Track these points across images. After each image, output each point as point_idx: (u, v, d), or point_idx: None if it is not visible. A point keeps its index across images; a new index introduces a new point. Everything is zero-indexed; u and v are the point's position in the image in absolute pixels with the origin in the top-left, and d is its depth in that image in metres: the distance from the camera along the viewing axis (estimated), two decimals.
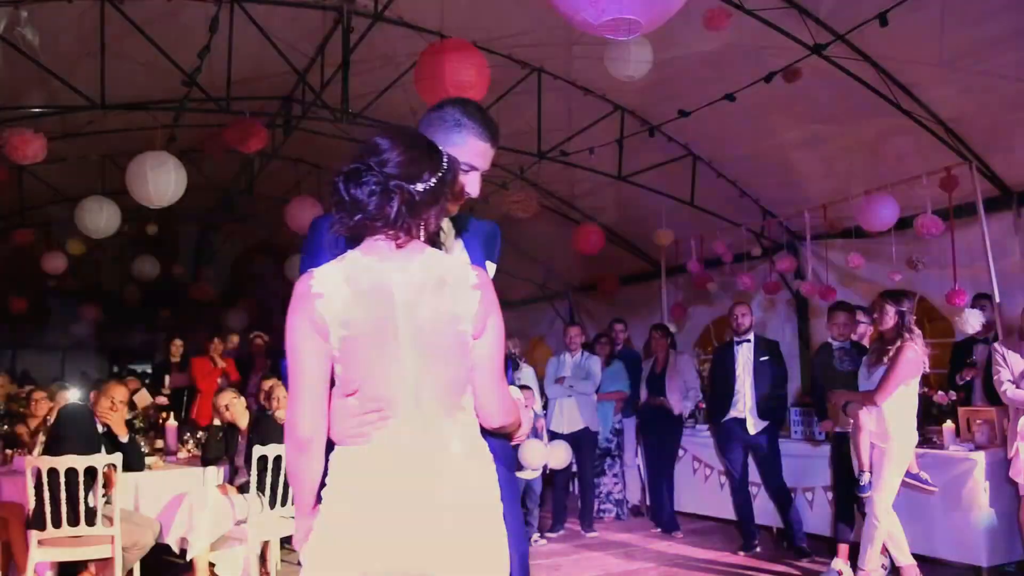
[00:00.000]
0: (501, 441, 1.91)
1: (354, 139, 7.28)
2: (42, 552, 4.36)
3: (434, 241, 1.82)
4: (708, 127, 6.85)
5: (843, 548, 5.19)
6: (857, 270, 6.77)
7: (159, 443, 6.15)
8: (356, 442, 1.67)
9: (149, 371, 13.75)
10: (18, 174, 7.88)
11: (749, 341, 6.29)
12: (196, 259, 13.42)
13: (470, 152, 1.99)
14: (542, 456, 5.91)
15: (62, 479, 4.31)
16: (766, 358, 6.21)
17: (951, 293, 5.80)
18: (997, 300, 5.59)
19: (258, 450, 4.81)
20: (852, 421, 4.85)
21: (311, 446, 1.68)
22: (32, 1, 5.27)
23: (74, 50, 5.85)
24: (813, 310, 7.84)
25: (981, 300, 5.80)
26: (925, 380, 6.36)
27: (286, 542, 5.62)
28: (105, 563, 4.51)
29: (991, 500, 4.94)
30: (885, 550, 4.81)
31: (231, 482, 5.21)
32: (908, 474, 4.84)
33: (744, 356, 6.24)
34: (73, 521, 4.35)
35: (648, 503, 7.51)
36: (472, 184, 2.01)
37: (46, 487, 4.28)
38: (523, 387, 5.47)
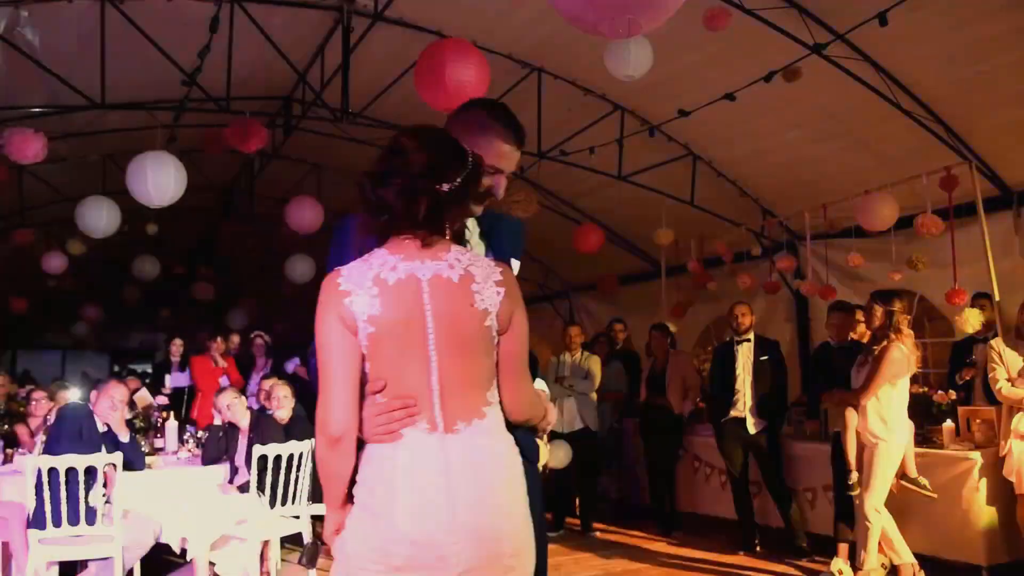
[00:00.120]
0: (525, 434, 1.93)
1: (354, 139, 7.30)
2: (42, 552, 4.36)
3: (459, 238, 1.85)
4: (708, 127, 6.86)
5: (843, 548, 5.19)
6: (857, 269, 6.77)
7: (159, 443, 6.15)
8: (385, 439, 1.70)
9: (149, 371, 13.75)
10: (18, 174, 7.88)
11: (749, 341, 6.29)
12: (196, 259, 13.41)
13: (495, 154, 2.00)
14: (542, 456, 5.90)
15: (62, 479, 4.31)
16: (766, 358, 6.21)
17: (951, 292, 5.80)
18: (997, 299, 5.59)
19: (258, 450, 4.81)
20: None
21: (342, 442, 1.70)
22: (32, 1, 5.27)
23: (74, 50, 5.85)
24: (813, 310, 7.84)
25: (981, 300, 5.80)
26: (925, 380, 6.38)
27: (286, 542, 5.63)
28: (105, 563, 4.50)
29: (991, 499, 4.94)
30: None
31: (231, 482, 5.21)
32: (907, 478, 4.86)
33: (744, 356, 6.24)
34: (73, 521, 4.35)
35: (648, 502, 7.50)
36: (497, 186, 2.03)
37: (46, 487, 4.28)
38: None
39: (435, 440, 1.68)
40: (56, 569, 4.59)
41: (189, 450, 5.89)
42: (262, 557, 5.05)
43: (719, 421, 6.36)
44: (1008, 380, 4.80)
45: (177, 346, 8.59)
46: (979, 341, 5.73)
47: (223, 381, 7.30)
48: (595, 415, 7.09)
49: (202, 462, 5.44)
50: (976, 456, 4.98)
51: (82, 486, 4.37)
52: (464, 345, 1.71)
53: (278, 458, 4.85)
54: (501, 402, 1.80)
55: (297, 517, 5.07)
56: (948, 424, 5.31)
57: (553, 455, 6.23)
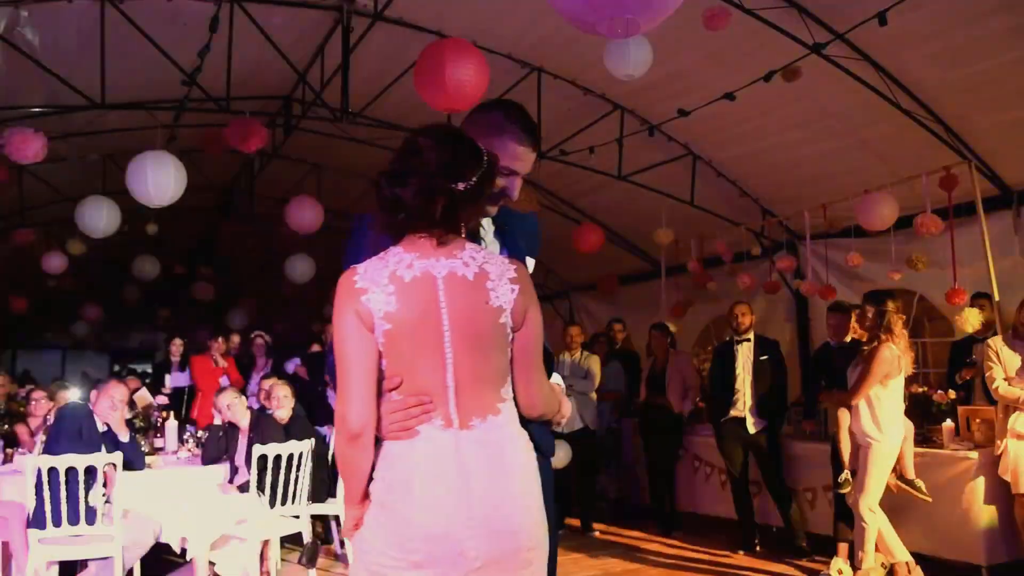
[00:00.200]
0: (541, 430, 1.95)
1: (354, 139, 7.30)
2: (42, 551, 4.36)
3: (473, 236, 1.87)
4: (708, 127, 6.86)
5: (843, 547, 5.20)
6: (857, 269, 6.77)
7: (159, 443, 6.15)
8: (401, 436, 1.72)
9: (149, 371, 13.75)
10: (18, 174, 7.88)
11: (749, 340, 6.29)
12: (196, 259, 13.41)
13: (510, 156, 2.01)
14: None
15: (62, 478, 4.31)
16: (766, 357, 6.22)
17: (951, 292, 5.79)
18: (997, 299, 5.59)
19: (258, 450, 4.81)
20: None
21: (362, 438, 1.72)
22: (32, 1, 5.27)
23: (74, 50, 5.85)
24: (813, 310, 7.84)
25: (980, 299, 5.80)
26: (925, 379, 6.39)
27: (286, 542, 5.63)
28: (105, 562, 4.51)
29: (990, 499, 4.94)
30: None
31: (231, 482, 5.21)
32: (904, 480, 4.87)
33: (744, 355, 6.25)
34: (73, 520, 4.36)
35: (648, 502, 7.50)
36: (512, 188, 2.04)
37: (46, 486, 4.28)
38: None
39: (450, 436, 1.71)
40: (56, 569, 4.60)
41: (189, 450, 5.89)
42: (262, 557, 5.05)
43: (719, 421, 6.36)
44: (1005, 379, 4.81)
45: (177, 346, 8.59)
46: (979, 341, 5.72)
47: (223, 381, 7.31)
48: (595, 415, 7.10)
49: (202, 462, 5.44)
50: (976, 456, 4.98)
51: (82, 486, 4.37)
52: (479, 342, 1.73)
53: (278, 458, 4.86)
54: (515, 398, 1.82)
55: (297, 517, 5.07)
56: (948, 424, 5.32)
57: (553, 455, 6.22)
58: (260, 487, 4.82)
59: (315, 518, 5.68)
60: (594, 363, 7.13)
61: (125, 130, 7.30)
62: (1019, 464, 4.70)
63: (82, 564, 4.66)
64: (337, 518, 5.61)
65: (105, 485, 4.49)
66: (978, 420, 5.25)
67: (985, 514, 4.92)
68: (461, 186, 1.74)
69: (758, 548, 6.08)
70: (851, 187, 6.33)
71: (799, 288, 7.58)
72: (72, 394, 6.69)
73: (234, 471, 5.26)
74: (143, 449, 5.43)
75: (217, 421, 5.57)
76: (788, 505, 5.98)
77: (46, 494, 4.29)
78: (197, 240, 12.77)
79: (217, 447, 5.40)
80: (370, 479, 1.75)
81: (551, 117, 6.65)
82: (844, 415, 4.95)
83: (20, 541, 4.52)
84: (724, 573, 5.62)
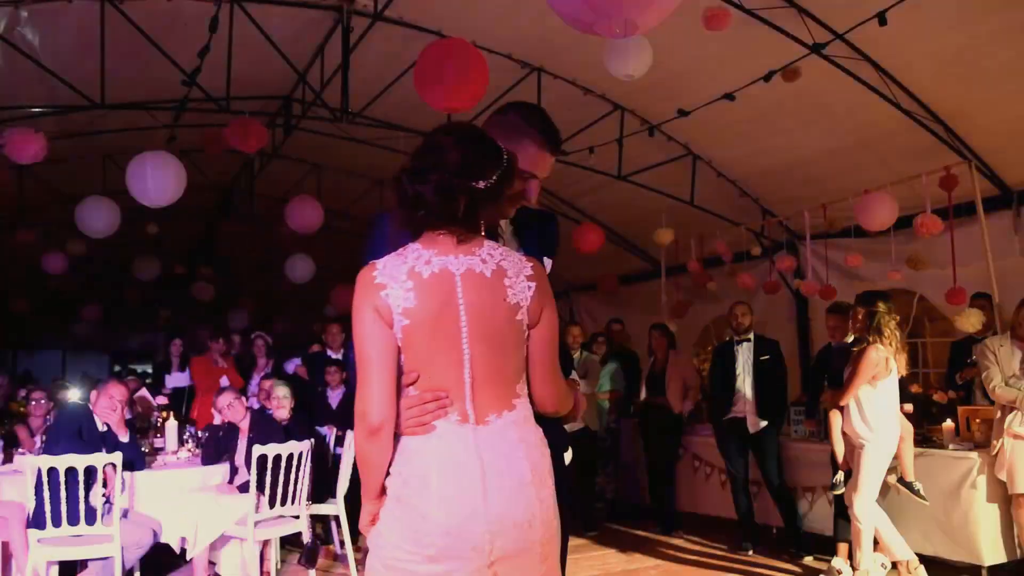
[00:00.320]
0: (554, 425, 1.96)
1: (354, 139, 7.30)
2: (42, 551, 4.36)
3: (491, 233, 1.88)
4: (708, 127, 6.85)
5: (843, 547, 5.19)
6: (857, 269, 6.77)
7: (159, 443, 6.15)
8: (418, 431, 1.73)
9: (149, 371, 13.75)
10: (18, 174, 7.88)
11: (749, 340, 6.30)
12: (196, 259, 13.41)
13: (529, 159, 2.01)
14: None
15: (62, 479, 4.31)
16: (766, 357, 6.22)
17: (951, 292, 5.80)
18: (997, 299, 5.59)
19: (258, 450, 4.81)
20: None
21: (381, 432, 1.73)
22: (32, 1, 5.27)
23: (74, 50, 5.85)
24: (813, 310, 7.85)
25: (980, 299, 5.80)
26: (925, 379, 6.39)
27: (286, 542, 5.63)
28: (105, 562, 4.51)
29: (991, 499, 4.94)
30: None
31: (231, 482, 5.21)
32: (902, 481, 4.88)
33: (744, 355, 6.25)
34: (73, 520, 4.35)
35: (648, 502, 7.50)
36: (530, 191, 2.05)
37: (46, 487, 4.28)
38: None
39: (467, 432, 1.72)
40: (56, 569, 4.60)
41: (189, 450, 5.89)
42: (262, 557, 5.05)
43: (719, 421, 6.37)
44: (1009, 378, 4.80)
45: (177, 346, 8.59)
46: (978, 341, 5.73)
47: (223, 381, 7.31)
48: (594, 414, 7.10)
49: (202, 462, 5.44)
50: (976, 456, 4.98)
51: (82, 486, 4.37)
52: (496, 339, 1.75)
53: (278, 458, 4.85)
54: (531, 394, 1.83)
55: (297, 517, 5.07)
56: (948, 424, 5.32)
57: None
58: (260, 487, 4.82)
59: (315, 518, 5.68)
60: (594, 363, 7.13)
61: (125, 130, 7.29)
62: (1015, 464, 4.70)
63: (82, 564, 4.66)
64: (337, 518, 5.61)
65: (105, 485, 4.49)
66: (978, 420, 5.25)
67: (985, 514, 4.92)
68: (481, 184, 1.75)
69: (758, 548, 6.07)
70: (851, 187, 6.33)
71: (799, 288, 7.59)
72: (72, 394, 6.70)
73: (234, 471, 5.26)
74: (143, 449, 5.43)
75: (217, 421, 5.57)
76: (788, 505, 5.98)
77: (46, 494, 4.28)
78: (197, 240, 12.75)
79: (217, 447, 5.40)
80: (387, 474, 1.76)
81: (551, 116, 6.64)
82: (836, 416, 4.98)
83: (20, 541, 4.52)
84: (724, 572, 5.62)
